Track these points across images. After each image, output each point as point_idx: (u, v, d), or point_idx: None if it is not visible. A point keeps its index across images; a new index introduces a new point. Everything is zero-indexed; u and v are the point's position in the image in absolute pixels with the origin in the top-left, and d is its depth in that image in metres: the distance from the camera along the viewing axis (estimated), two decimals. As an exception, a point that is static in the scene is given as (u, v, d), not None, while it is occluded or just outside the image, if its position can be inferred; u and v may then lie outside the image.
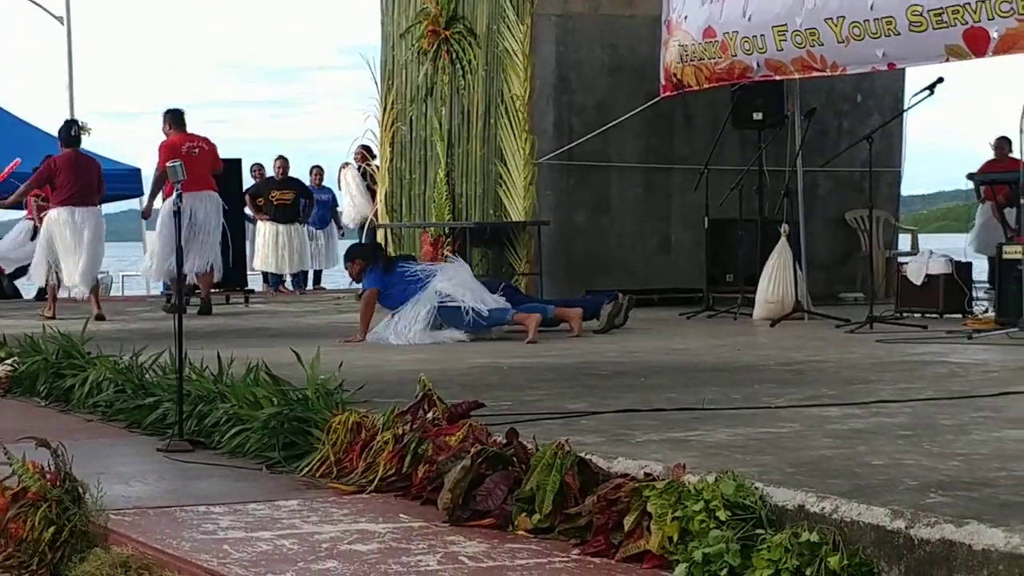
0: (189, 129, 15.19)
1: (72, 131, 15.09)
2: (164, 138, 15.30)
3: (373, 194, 18.92)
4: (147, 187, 16.63)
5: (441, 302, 10.86)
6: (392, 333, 10.86)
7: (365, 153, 19.31)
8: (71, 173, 14.75)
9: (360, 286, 11.72)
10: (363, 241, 18.25)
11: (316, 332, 11.98)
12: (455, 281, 11.03)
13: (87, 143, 16.15)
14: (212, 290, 16.06)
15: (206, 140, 15.35)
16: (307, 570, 4.38)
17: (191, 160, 14.14)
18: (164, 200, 15.28)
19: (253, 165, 21.09)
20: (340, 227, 21.56)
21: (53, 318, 14.46)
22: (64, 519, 5.10)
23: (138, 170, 23.96)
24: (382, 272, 11.13)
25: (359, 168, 19.58)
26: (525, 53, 14.72)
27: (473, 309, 10.83)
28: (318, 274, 22.36)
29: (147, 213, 15.93)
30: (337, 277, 23.38)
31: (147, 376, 8.06)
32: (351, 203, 19.99)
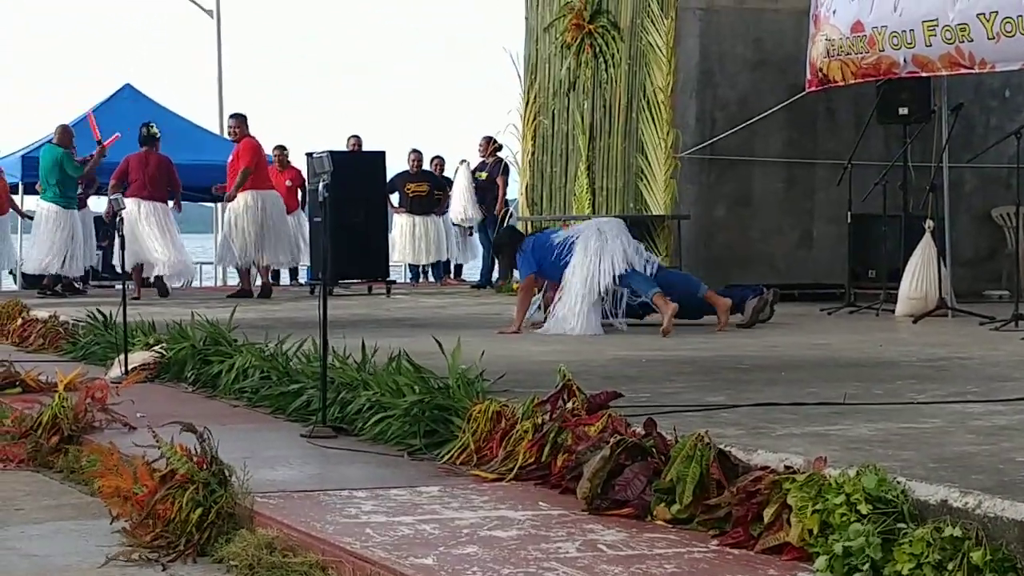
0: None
1: (143, 132, 17.19)
2: (247, 139, 17.08)
3: (489, 187, 19.04)
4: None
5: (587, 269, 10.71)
6: (556, 325, 10.80)
7: (493, 148, 19.35)
8: (139, 170, 16.86)
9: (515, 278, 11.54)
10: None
11: (457, 323, 12.07)
12: (599, 240, 10.84)
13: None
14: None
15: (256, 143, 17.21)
16: (448, 554, 4.42)
17: (266, 162, 16.98)
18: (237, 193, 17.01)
19: (349, 137, 20.40)
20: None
21: (138, 298, 15.97)
22: (211, 501, 5.20)
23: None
24: (532, 255, 11.05)
25: (482, 160, 19.63)
26: (669, 47, 14.68)
27: (614, 272, 10.68)
28: (459, 267, 22.53)
29: (231, 198, 17.26)
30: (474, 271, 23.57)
31: (292, 363, 8.17)
32: (459, 201, 20.19)
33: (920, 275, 12.03)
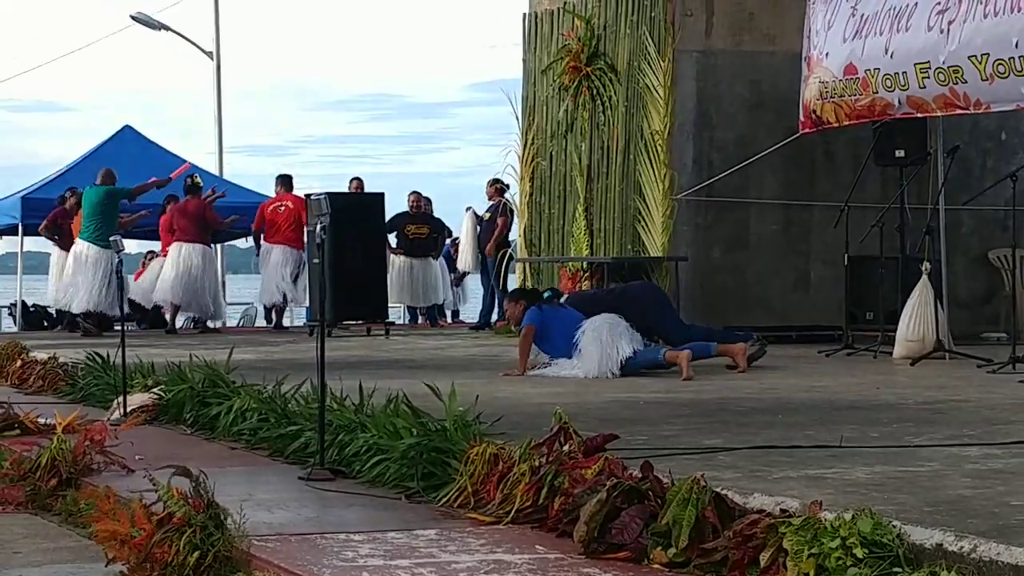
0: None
1: (187, 183, 19.00)
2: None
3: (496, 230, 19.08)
4: None
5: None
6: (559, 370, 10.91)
7: (498, 188, 19.36)
8: (179, 217, 18.61)
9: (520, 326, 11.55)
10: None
11: (455, 364, 12.07)
12: (603, 332, 10.93)
13: (236, 177, 18.96)
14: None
15: (294, 198, 18.85)
16: (444, 599, 4.42)
17: (275, 216, 18.71)
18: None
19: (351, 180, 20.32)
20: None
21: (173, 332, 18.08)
22: (208, 544, 5.20)
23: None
24: (541, 313, 11.13)
25: (491, 203, 19.66)
26: (666, 89, 14.73)
27: (621, 356, 10.78)
28: (455, 312, 22.57)
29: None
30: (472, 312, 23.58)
31: (290, 405, 8.17)
32: (464, 249, 20.30)
33: (917, 317, 12.03)
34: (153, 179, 19.20)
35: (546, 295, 12.16)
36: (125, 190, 18.29)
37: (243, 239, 25.07)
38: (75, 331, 18.16)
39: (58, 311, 21.08)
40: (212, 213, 18.84)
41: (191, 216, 18.55)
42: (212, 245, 19.74)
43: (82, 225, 18.00)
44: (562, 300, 12.10)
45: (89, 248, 17.84)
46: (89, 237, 17.85)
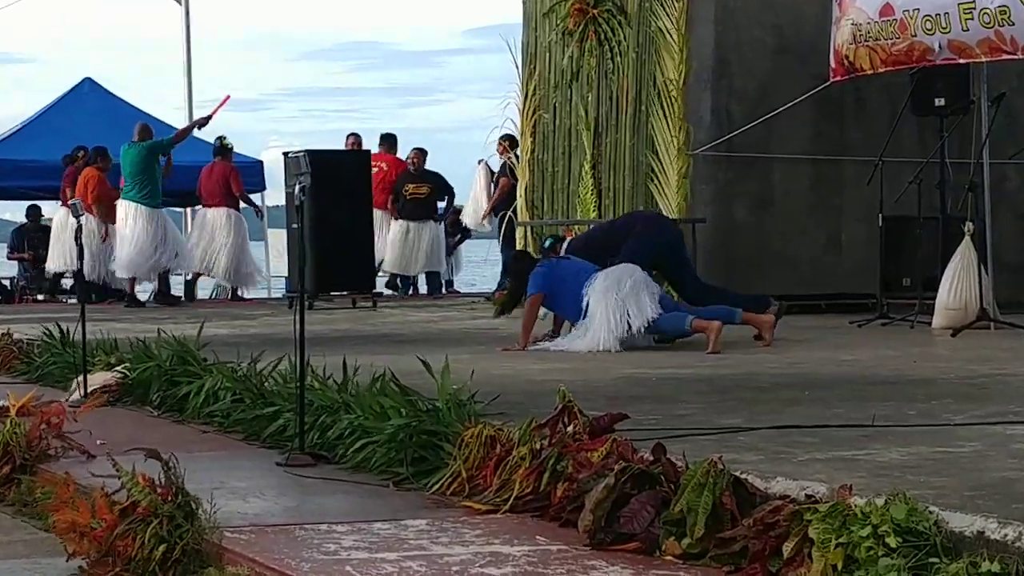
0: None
1: (216, 145, 19.61)
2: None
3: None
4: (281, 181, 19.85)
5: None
6: (565, 343, 10.86)
7: (507, 145, 19.28)
8: (206, 181, 19.42)
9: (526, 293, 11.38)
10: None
11: (448, 339, 12.09)
12: (618, 289, 10.82)
13: (209, 134, 20.22)
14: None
15: (392, 159, 20.22)
16: (435, 595, 4.44)
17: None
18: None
19: (348, 135, 20.48)
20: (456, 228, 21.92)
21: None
22: (176, 536, 5.21)
23: (260, 163, 24.27)
24: (546, 273, 10.99)
25: (502, 161, 19.58)
26: (681, 33, 14.71)
27: (638, 320, 10.69)
28: (449, 282, 22.49)
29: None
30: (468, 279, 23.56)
31: (266, 384, 8.19)
32: (474, 202, 20.22)
33: (959, 283, 12.03)
34: (195, 119, 20.22)
35: (547, 244, 12.12)
36: (165, 141, 18.64)
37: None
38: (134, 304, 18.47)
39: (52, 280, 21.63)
40: (237, 179, 19.43)
41: (216, 180, 19.25)
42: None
43: (125, 185, 18.23)
44: (564, 245, 12.04)
45: (138, 209, 18.10)
46: (136, 197, 18.13)
